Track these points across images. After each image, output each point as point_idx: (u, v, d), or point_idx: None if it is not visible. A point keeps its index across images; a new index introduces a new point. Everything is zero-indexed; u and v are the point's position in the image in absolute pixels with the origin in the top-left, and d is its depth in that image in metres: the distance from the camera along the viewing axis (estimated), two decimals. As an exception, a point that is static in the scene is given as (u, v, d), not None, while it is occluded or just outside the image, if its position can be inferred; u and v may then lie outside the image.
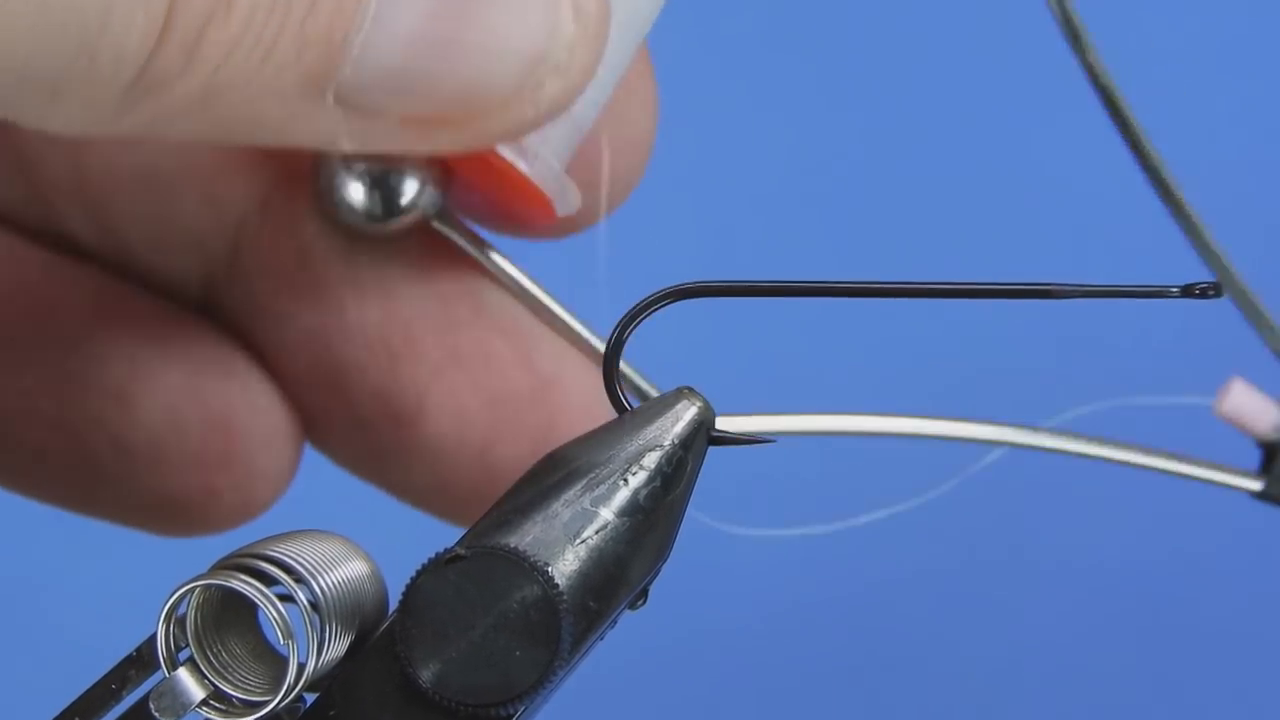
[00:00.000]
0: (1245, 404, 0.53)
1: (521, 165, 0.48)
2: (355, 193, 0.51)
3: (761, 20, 1.17)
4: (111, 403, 0.52)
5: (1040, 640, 1.12)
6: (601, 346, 0.49)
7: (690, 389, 0.44)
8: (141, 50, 0.38)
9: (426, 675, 0.40)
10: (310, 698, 0.42)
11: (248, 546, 0.42)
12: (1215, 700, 1.11)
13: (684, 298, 0.44)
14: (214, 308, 0.54)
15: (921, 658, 1.12)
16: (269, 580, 0.41)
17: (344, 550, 0.44)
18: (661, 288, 0.44)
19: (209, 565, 0.42)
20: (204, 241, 0.53)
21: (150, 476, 0.52)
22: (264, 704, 0.41)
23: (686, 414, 0.43)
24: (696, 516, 0.45)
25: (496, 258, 0.52)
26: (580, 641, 0.41)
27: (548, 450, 0.44)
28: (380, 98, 0.42)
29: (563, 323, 0.53)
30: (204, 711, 0.42)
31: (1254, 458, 0.53)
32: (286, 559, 0.41)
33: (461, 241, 0.52)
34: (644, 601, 0.43)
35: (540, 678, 0.40)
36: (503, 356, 0.52)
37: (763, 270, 0.42)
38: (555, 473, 0.43)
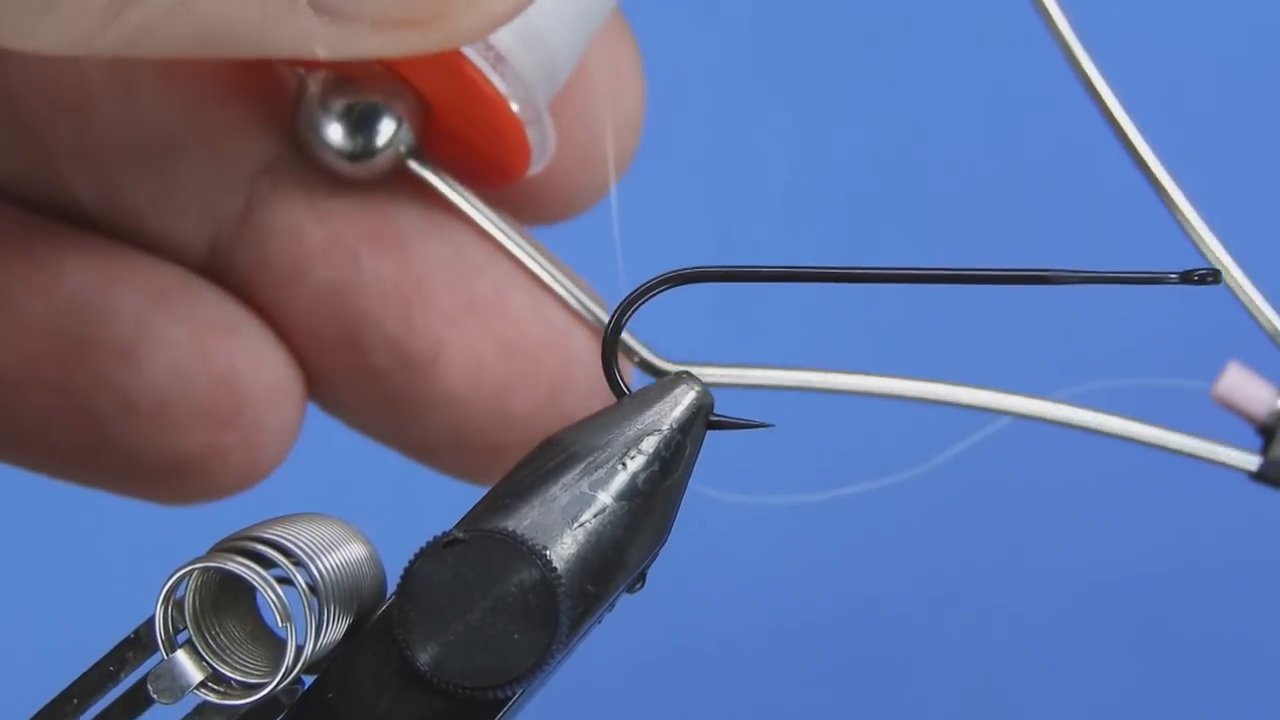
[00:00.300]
0: (1241, 387, 0.53)
1: (495, 80, 0.49)
2: (334, 133, 0.51)
3: (766, 8, 1.17)
4: (117, 362, 0.52)
5: (1037, 617, 1.12)
6: (576, 301, 0.52)
7: (689, 373, 0.44)
8: None
9: (424, 658, 0.40)
10: (309, 680, 0.42)
11: (246, 529, 0.42)
12: (1212, 689, 1.11)
13: (683, 283, 0.44)
14: (220, 267, 0.54)
15: (916, 631, 1.13)
16: (267, 563, 0.41)
17: (342, 533, 0.44)
18: (661, 272, 0.44)
19: (207, 548, 0.42)
20: (213, 201, 0.53)
21: (157, 437, 0.52)
22: (262, 686, 0.41)
23: (685, 398, 0.43)
24: (695, 488, 0.45)
25: (476, 202, 0.53)
26: (578, 625, 0.41)
27: (562, 399, 0.44)
28: (361, 37, 0.43)
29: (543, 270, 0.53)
30: (202, 693, 0.42)
31: (1249, 446, 0.53)
32: (285, 542, 0.41)
33: (438, 182, 0.52)
34: (642, 585, 0.44)
35: (538, 661, 0.40)
36: (517, 304, 0.53)
37: (762, 256, 0.42)
38: (554, 457, 0.43)
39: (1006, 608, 1.12)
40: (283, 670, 0.41)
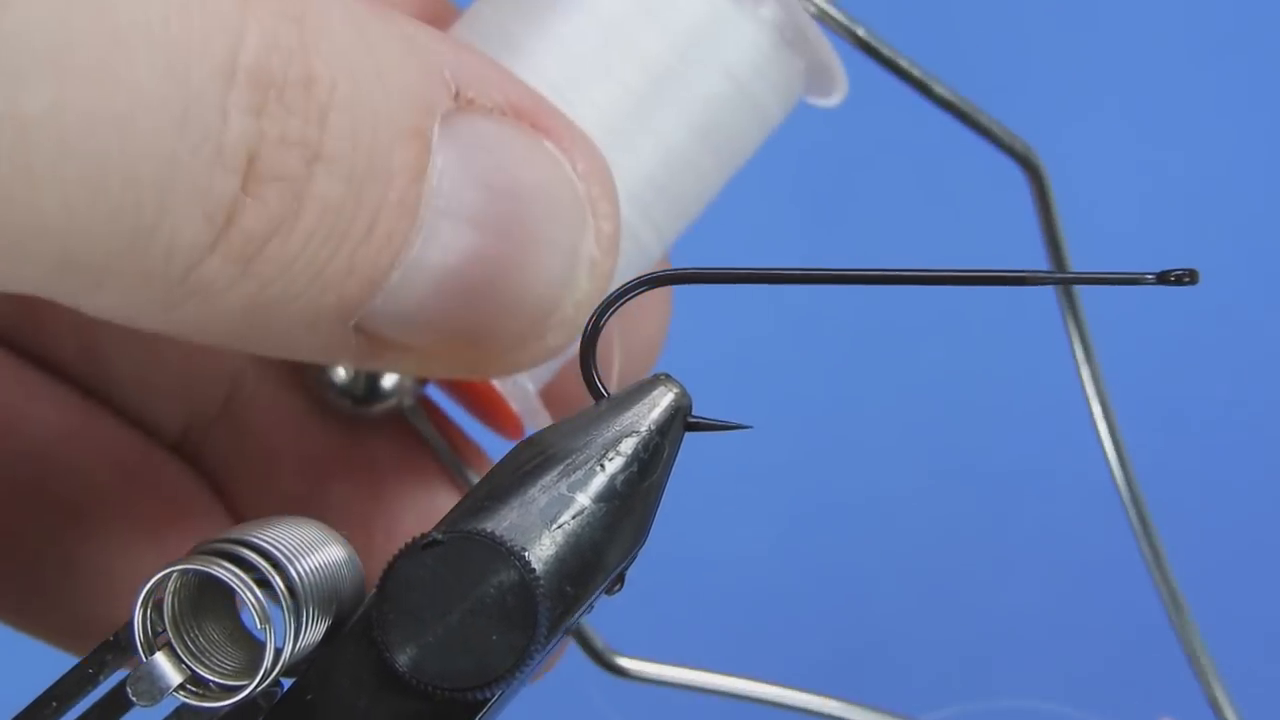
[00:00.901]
0: None
1: (498, 386, 0.50)
2: (340, 374, 0.52)
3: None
4: (67, 522, 0.52)
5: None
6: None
7: (667, 375, 0.44)
8: (195, 252, 0.38)
9: (403, 660, 0.40)
10: (288, 682, 0.42)
11: (225, 532, 0.42)
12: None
13: (660, 285, 0.44)
14: (192, 449, 0.54)
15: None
16: (246, 565, 0.41)
17: (321, 535, 0.44)
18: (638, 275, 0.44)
19: (186, 551, 0.42)
20: (194, 389, 0.52)
21: (91, 600, 0.52)
22: (241, 688, 0.41)
23: (663, 400, 0.43)
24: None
25: (457, 461, 0.54)
26: (556, 626, 0.41)
27: None
28: (397, 329, 0.43)
29: None
30: (181, 696, 0.42)
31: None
32: (264, 544, 0.41)
33: (431, 438, 0.53)
34: (620, 586, 0.44)
35: (516, 662, 0.40)
36: None
37: (739, 258, 0.42)
38: (532, 458, 0.43)
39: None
40: (261, 672, 0.41)
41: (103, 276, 0.37)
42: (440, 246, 0.42)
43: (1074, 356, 0.56)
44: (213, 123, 0.36)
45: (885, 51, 0.52)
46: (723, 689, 0.56)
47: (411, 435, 0.53)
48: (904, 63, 0.53)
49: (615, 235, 0.45)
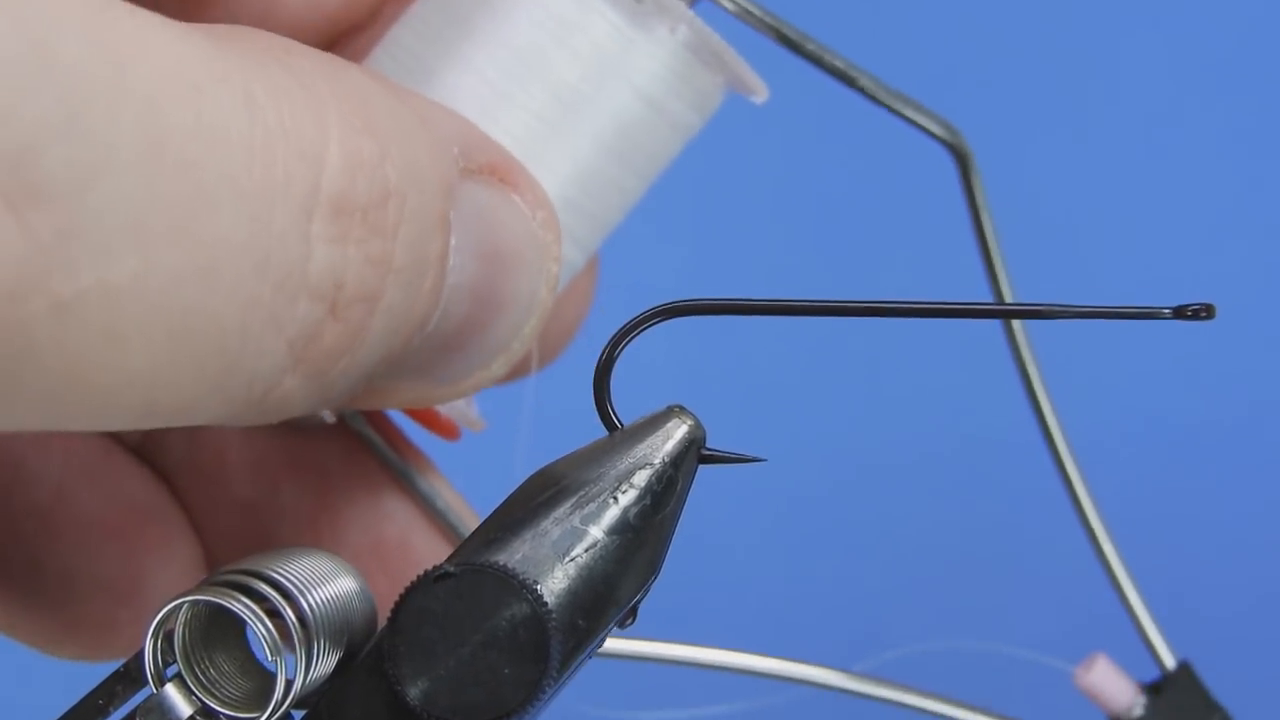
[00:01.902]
0: (1106, 682, 0.57)
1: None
2: None
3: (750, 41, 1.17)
4: (32, 523, 0.52)
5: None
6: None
7: (681, 407, 0.44)
8: (276, 375, 0.39)
9: (414, 693, 0.40)
10: (298, 715, 0.42)
11: (236, 562, 0.42)
12: None
13: (674, 315, 0.44)
14: (150, 453, 0.55)
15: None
16: (257, 596, 0.41)
17: (333, 566, 0.43)
18: (651, 306, 0.44)
19: (198, 581, 0.42)
20: None
21: (56, 601, 0.53)
22: (251, 720, 0.41)
23: (677, 432, 0.43)
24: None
25: (400, 463, 0.55)
26: (569, 660, 0.41)
27: None
28: (387, 385, 0.45)
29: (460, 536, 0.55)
30: (191, 728, 0.41)
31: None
32: (275, 575, 0.41)
33: (373, 441, 0.54)
34: (633, 620, 0.43)
35: (529, 696, 0.40)
36: (420, 550, 0.55)
37: (751, 289, 0.42)
38: (545, 490, 0.43)
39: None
40: (272, 705, 0.41)
41: (188, 416, 0.38)
42: (445, 319, 0.44)
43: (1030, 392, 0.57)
44: (296, 257, 0.37)
45: (810, 47, 0.53)
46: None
47: (356, 438, 0.55)
48: (827, 56, 0.54)
49: (559, 273, 0.47)
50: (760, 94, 0.52)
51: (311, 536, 0.53)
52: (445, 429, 0.54)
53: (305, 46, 0.40)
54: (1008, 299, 0.54)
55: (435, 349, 0.44)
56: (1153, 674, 0.57)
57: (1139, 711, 0.56)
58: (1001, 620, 1.14)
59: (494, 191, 0.45)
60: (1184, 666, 0.56)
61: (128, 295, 0.34)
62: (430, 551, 0.54)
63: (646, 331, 0.44)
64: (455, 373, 0.46)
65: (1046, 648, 0.59)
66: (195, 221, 0.35)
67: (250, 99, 0.36)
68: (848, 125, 1.19)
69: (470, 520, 0.54)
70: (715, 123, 0.52)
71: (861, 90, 0.54)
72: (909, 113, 0.55)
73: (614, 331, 0.44)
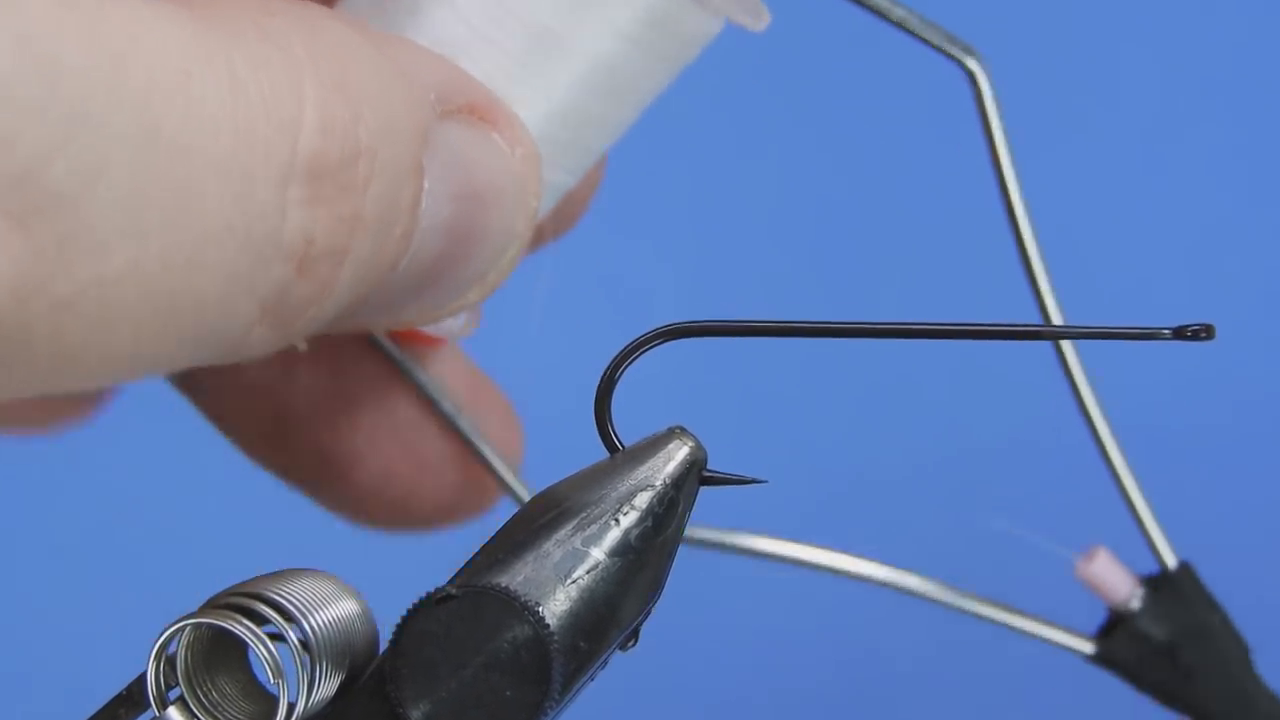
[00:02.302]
0: (1106, 573, 0.57)
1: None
2: None
3: (750, 59, 1.17)
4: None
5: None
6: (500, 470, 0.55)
7: (682, 428, 0.44)
8: (244, 329, 0.39)
9: (416, 715, 0.40)
10: (300, 737, 0.42)
11: (238, 585, 0.42)
12: None
13: (676, 337, 0.44)
14: None
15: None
16: (259, 619, 0.41)
17: (334, 589, 0.43)
18: (653, 327, 0.44)
19: (199, 603, 0.42)
20: None
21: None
22: (254, 743, 0.41)
23: (678, 454, 0.43)
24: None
25: (412, 367, 0.56)
26: (571, 682, 0.41)
27: (460, 510, 0.53)
28: (360, 315, 0.46)
29: (465, 438, 0.56)
30: (193, 750, 0.41)
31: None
32: (277, 598, 0.41)
33: (387, 346, 0.55)
34: (635, 642, 0.43)
35: (530, 718, 0.40)
36: (433, 428, 0.56)
37: (751, 311, 0.42)
38: (547, 512, 0.42)
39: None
40: (274, 727, 0.41)
41: (161, 372, 0.40)
42: (416, 259, 0.44)
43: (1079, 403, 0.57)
44: (273, 226, 0.38)
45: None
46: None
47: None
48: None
49: (538, 209, 0.47)
50: (759, 21, 0.51)
51: (327, 419, 0.55)
52: (429, 340, 0.54)
53: (280, 1, 0.40)
54: (1048, 307, 0.54)
55: (408, 287, 0.45)
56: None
57: (1137, 604, 0.56)
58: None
59: (472, 131, 0.45)
60: (1185, 566, 0.57)
61: (120, 286, 0.35)
62: (438, 425, 0.55)
63: (648, 352, 0.44)
64: (429, 305, 0.47)
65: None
66: (185, 209, 0.36)
67: (233, 75, 0.37)
68: (849, 127, 1.19)
69: (474, 410, 0.56)
70: (710, 148, 0.52)
71: (873, 9, 0.54)
72: (923, 29, 0.54)
73: (615, 353, 0.44)
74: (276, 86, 0.38)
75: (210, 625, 0.41)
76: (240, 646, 0.42)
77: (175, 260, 0.36)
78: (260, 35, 0.38)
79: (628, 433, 0.48)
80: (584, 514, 0.42)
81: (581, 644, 0.41)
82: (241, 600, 0.41)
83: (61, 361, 0.35)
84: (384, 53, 0.42)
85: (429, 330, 0.52)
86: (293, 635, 0.41)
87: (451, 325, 0.53)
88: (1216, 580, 0.57)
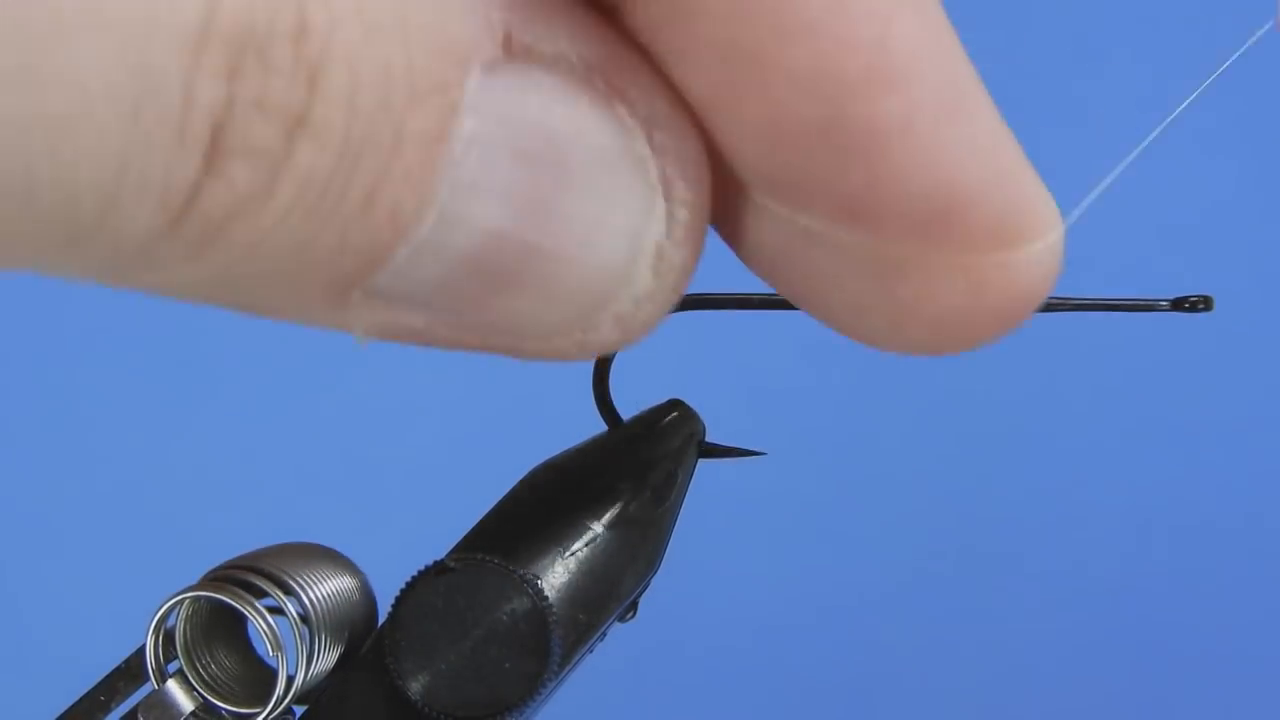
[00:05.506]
0: None
1: None
2: None
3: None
4: None
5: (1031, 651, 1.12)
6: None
7: (680, 401, 0.44)
8: (146, 238, 0.32)
9: (415, 687, 0.40)
10: (299, 710, 0.42)
11: (236, 558, 0.42)
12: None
13: (685, 309, 0.44)
14: None
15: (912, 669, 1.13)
16: (258, 592, 0.41)
17: (333, 563, 0.44)
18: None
19: (198, 576, 0.42)
20: None
21: None
22: (252, 716, 0.41)
23: (677, 426, 0.43)
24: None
25: None
26: (569, 654, 0.41)
27: None
28: (408, 308, 0.37)
29: None
30: (193, 723, 0.42)
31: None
32: (276, 571, 0.41)
33: None
34: (633, 614, 0.43)
35: (529, 690, 0.40)
36: None
37: (752, 284, 0.42)
38: (545, 485, 0.43)
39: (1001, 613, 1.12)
40: (273, 700, 0.41)
41: (39, 267, 0.32)
42: (462, 225, 0.35)
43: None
44: (174, 103, 0.31)
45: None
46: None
47: None
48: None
49: (695, 224, 0.37)
50: None
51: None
52: None
53: None
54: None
55: (466, 271, 0.36)
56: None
57: None
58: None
59: (573, 86, 0.36)
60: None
61: None
62: None
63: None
64: (528, 320, 0.38)
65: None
66: (41, 61, 0.29)
67: None
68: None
69: None
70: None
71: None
72: None
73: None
74: None
75: (209, 598, 0.41)
76: (239, 619, 0.42)
77: (24, 122, 0.29)
78: None
79: (626, 406, 0.48)
80: (583, 487, 0.42)
81: (580, 616, 0.42)
82: (240, 574, 0.41)
83: None
84: None
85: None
86: (292, 608, 0.41)
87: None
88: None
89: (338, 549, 0.45)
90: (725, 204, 0.39)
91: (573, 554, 0.42)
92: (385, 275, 0.36)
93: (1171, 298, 0.43)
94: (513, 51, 0.35)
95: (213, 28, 0.31)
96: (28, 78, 0.29)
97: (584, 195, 0.36)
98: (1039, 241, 0.36)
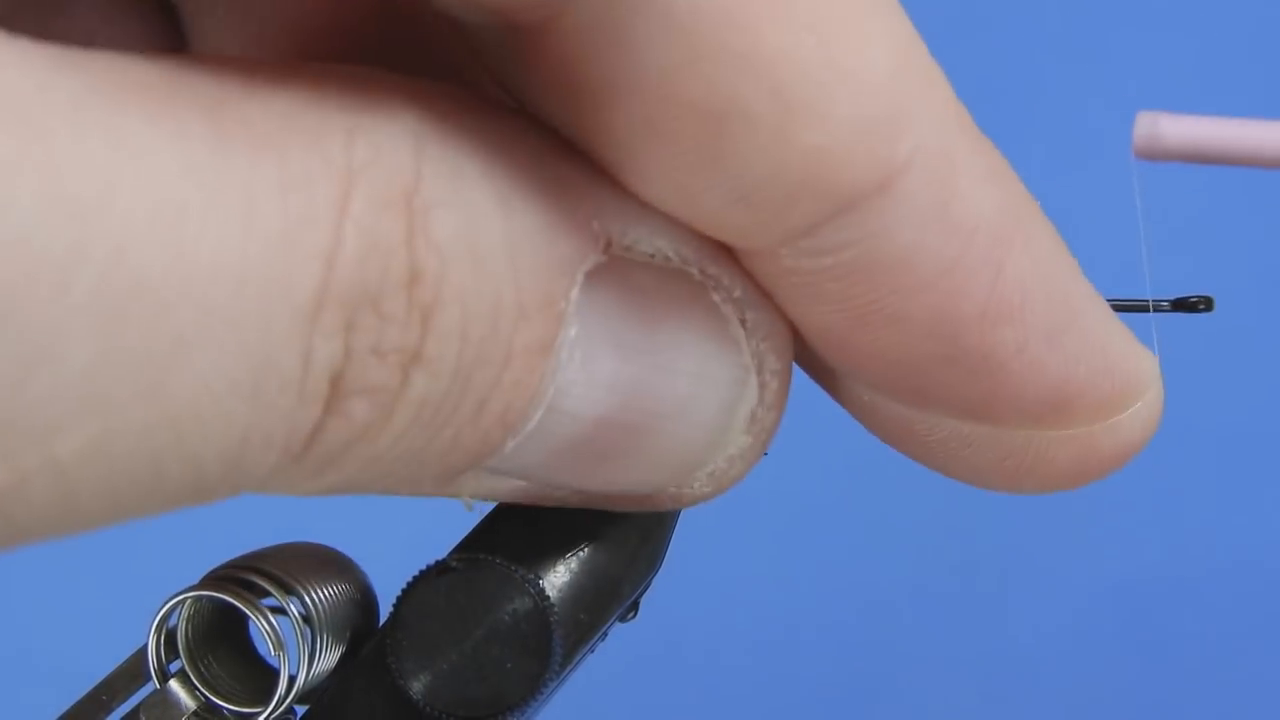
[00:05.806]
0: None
1: None
2: None
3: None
4: None
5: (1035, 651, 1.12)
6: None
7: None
8: (267, 472, 0.32)
9: (417, 687, 0.40)
10: (301, 710, 0.42)
11: (238, 558, 0.42)
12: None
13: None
14: None
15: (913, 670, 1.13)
16: (260, 592, 0.41)
17: (335, 562, 0.44)
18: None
19: (200, 576, 0.42)
20: None
21: None
22: (254, 716, 0.41)
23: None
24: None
25: None
26: (571, 654, 0.41)
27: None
28: (514, 479, 0.38)
29: None
30: (194, 723, 0.42)
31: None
32: (278, 571, 0.41)
33: None
34: (635, 614, 0.43)
35: (531, 690, 0.40)
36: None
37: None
38: (547, 484, 0.43)
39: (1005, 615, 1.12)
40: (275, 700, 0.41)
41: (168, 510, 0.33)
42: (567, 415, 0.36)
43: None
44: (293, 371, 0.31)
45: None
46: None
47: None
48: None
49: (784, 389, 0.38)
50: None
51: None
52: None
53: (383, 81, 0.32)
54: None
55: (569, 453, 0.37)
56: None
57: None
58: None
59: (669, 281, 0.36)
60: None
61: (82, 464, 0.29)
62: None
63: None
64: (629, 486, 0.39)
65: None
66: (170, 374, 0.29)
67: (249, 205, 0.29)
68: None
69: None
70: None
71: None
72: None
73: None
74: (311, 208, 0.30)
75: (211, 598, 0.41)
76: (241, 619, 0.42)
77: (157, 425, 0.29)
78: (307, 141, 0.30)
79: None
80: (584, 486, 0.42)
81: (582, 616, 0.42)
82: (242, 573, 0.41)
83: (16, 537, 0.29)
84: (534, 163, 0.33)
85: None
86: (293, 608, 0.41)
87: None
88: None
89: (339, 549, 0.45)
90: (835, 386, 0.41)
91: (574, 554, 0.42)
92: (493, 460, 0.36)
93: (1172, 298, 0.43)
94: (612, 254, 0.35)
95: (328, 293, 0.30)
96: (156, 393, 0.29)
97: (683, 378, 0.37)
98: (1140, 401, 0.39)
